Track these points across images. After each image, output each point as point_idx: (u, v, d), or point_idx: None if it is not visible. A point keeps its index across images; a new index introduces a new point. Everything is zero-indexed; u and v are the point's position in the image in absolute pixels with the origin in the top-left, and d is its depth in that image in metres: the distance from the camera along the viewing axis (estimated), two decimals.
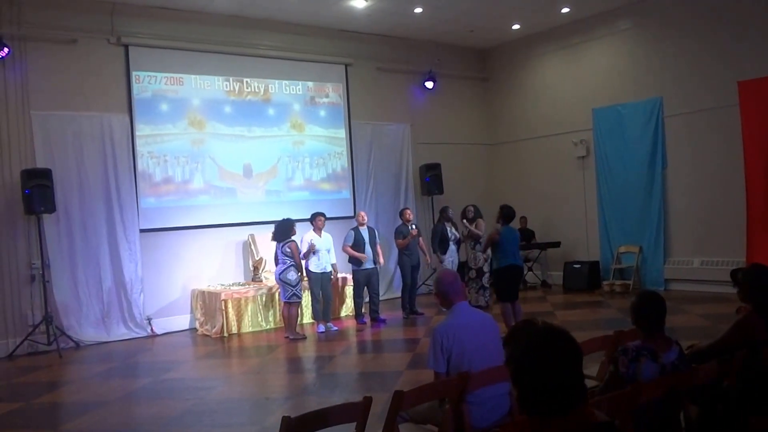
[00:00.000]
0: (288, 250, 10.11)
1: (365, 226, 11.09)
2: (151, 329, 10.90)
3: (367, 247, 10.95)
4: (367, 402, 3.64)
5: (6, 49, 9.80)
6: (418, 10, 12.32)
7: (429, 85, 14.39)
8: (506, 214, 9.30)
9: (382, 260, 11.46)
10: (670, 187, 12.46)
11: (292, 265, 10.10)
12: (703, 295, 11.26)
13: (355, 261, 10.96)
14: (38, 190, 9.66)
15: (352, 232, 11.02)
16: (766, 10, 10.90)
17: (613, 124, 13.19)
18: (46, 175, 9.82)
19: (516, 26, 13.92)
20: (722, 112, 11.48)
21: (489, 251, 11.28)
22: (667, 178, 12.48)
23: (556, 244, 14.00)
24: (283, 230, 10.22)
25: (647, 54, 12.70)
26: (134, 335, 10.73)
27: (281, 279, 10.16)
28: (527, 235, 13.85)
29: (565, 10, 12.91)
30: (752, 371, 4.03)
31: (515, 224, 10.02)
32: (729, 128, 11.38)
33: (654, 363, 3.79)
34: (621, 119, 13.04)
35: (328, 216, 11.31)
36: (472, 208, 11.89)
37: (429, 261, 12.11)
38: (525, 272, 12.53)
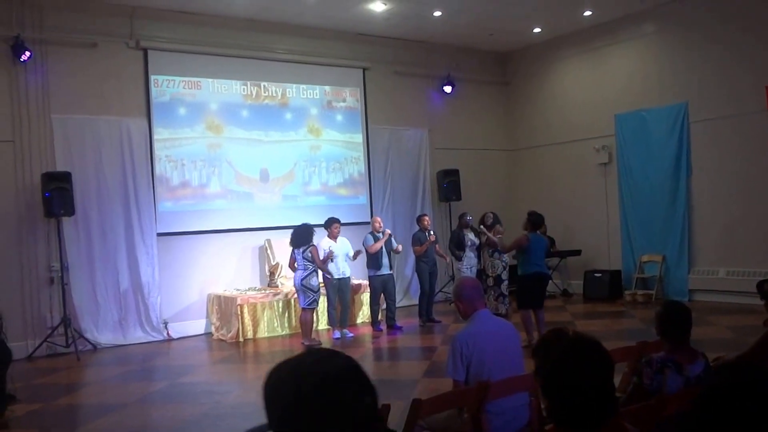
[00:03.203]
0: (309, 254, 10.05)
1: (380, 233, 11.00)
2: (168, 333, 10.88)
3: (384, 254, 10.86)
4: (385, 410, 3.56)
5: (28, 53, 9.86)
6: (437, 13, 12.25)
7: (447, 89, 14.27)
8: (534, 220, 9.11)
9: (400, 247, 11.31)
10: (694, 195, 12.24)
11: (314, 270, 10.05)
12: (729, 306, 11.05)
13: (372, 266, 10.87)
14: (58, 193, 9.70)
15: (370, 236, 10.94)
16: None
17: (636, 130, 12.98)
18: (65, 178, 9.85)
19: (537, 30, 13.78)
20: (749, 118, 11.28)
21: (506, 256, 11.27)
22: (692, 186, 12.25)
23: (577, 252, 13.82)
24: (304, 235, 10.16)
25: (672, 59, 12.51)
26: (151, 339, 10.72)
27: (303, 285, 10.06)
28: (548, 242, 13.70)
29: (588, 13, 12.76)
30: None
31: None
32: (756, 135, 11.20)
33: (679, 375, 3.72)
34: (645, 125, 12.84)
35: (344, 221, 11.26)
36: (491, 215, 11.75)
37: (447, 260, 12.05)
38: None
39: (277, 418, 1.64)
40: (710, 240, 12.03)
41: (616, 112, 13.30)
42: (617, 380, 4.80)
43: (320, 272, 10.31)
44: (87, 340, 10.16)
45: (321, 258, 10.20)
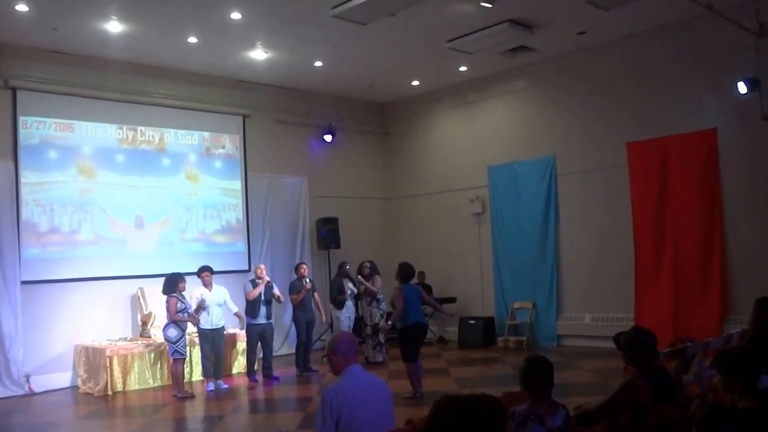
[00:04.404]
0: (166, 305, 9.80)
1: (260, 280, 10.85)
2: (29, 387, 10.26)
3: (263, 303, 10.69)
4: None
5: None
6: (318, 63, 12.41)
7: (327, 138, 14.39)
8: (404, 272, 9.15)
9: (282, 298, 11.17)
10: (562, 244, 12.80)
11: (172, 321, 9.78)
12: (594, 351, 11.48)
13: (249, 314, 10.68)
14: None
15: (250, 283, 10.77)
16: (651, 75, 11.52)
17: (507, 182, 13.50)
18: None
19: (415, 82, 14.18)
20: (612, 171, 11.96)
21: (383, 305, 11.40)
22: (560, 236, 12.82)
23: (452, 300, 14.07)
24: (168, 285, 9.90)
25: (541, 114, 13.16)
26: (10, 394, 10.04)
27: (164, 335, 9.85)
28: (425, 290, 13.87)
29: (463, 68, 13.23)
30: None
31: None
32: (618, 187, 11.87)
33: (541, 427, 3.84)
34: (515, 177, 13.38)
35: (221, 269, 11.05)
36: (368, 264, 11.84)
37: (324, 319, 11.96)
38: None
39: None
40: (577, 287, 12.57)
41: (489, 164, 13.81)
42: None
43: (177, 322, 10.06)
44: None
45: (194, 307, 9.98)
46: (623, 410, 4.26)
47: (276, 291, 10.96)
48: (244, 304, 10.81)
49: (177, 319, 9.75)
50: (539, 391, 3.99)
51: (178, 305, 9.80)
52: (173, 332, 9.75)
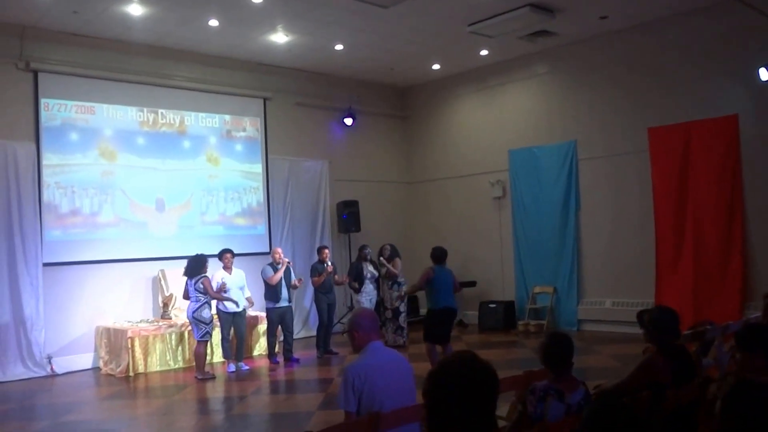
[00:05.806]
0: (201, 286, 9.80)
1: (280, 264, 10.86)
2: (51, 368, 10.35)
3: (283, 286, 10.73)
4: None
5: None
6: (339, 47, 12.35)
7: (348, 121, 14.37)
8: (434, 254, 9.04)
9: (299, 283, 11.19)
10: (583, 229, 12.72)
11: (206, 302, 9.81)
12: (615, 336, 11.44)
13: (271, 298, 10.71)
14: None
15: (269, 267, 10.78)
16: (672, 60, 11.39)
17: (528, 166, 13.42)
18: None
19: (436, 66, 14.09)
20: (633, 157, 11.86)
21: (404, 289, 11.37)
22: (581, 220, 12.74)
23: (472, 284, 14.02)
24: (196, 266, 9.91)
25: (562, 98, 13.05)
26: (33, 375, 10.14)
27: (194, 317, 9.82)
28: None
29: (484, 52, 13.13)
30: (656, 413, 4.07)
31: None
32: (640, 173, 11.78)
33: (560, 403, 3.87)
34: (536, 161, 13.29)
35: (242, 252, 11.06)
36: (388, 247, 11.84)
37: (346, 280, 11.91)
38: None
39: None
40: (597, 272, 12.49)
41: (510, 148, 13.72)
42: (505, 409, 4.88)
43: (213, 304, 10.08)
44: None
45: (215, 290, 10.00)
46: (642, 389, 4.24)
47: (294, 280, 10.95)
48: (262, 288, 10.85)
49: (216, 297, 9.87)
50: (559, 367, 4.02)
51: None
52: (208, 313, 9.81)
